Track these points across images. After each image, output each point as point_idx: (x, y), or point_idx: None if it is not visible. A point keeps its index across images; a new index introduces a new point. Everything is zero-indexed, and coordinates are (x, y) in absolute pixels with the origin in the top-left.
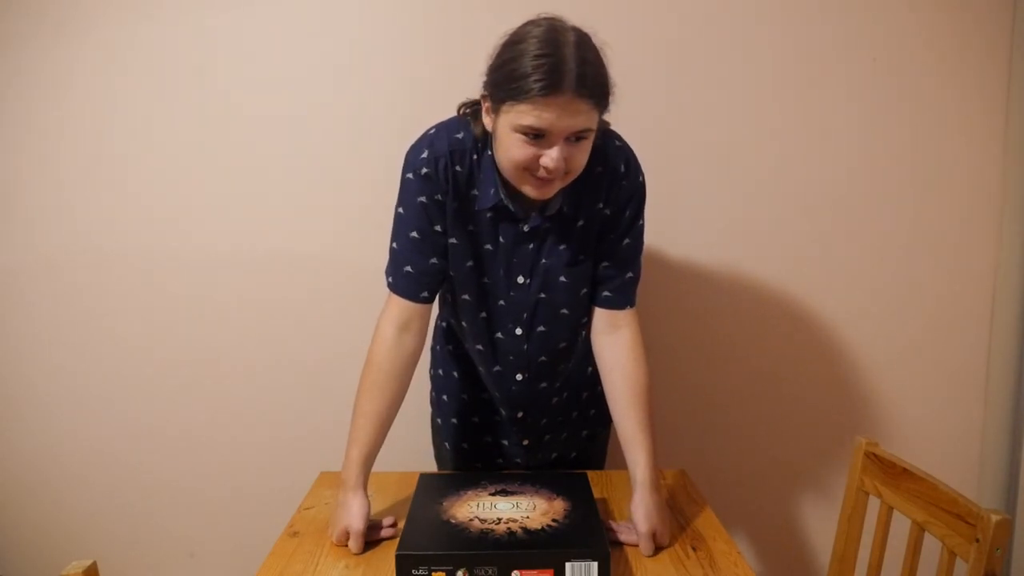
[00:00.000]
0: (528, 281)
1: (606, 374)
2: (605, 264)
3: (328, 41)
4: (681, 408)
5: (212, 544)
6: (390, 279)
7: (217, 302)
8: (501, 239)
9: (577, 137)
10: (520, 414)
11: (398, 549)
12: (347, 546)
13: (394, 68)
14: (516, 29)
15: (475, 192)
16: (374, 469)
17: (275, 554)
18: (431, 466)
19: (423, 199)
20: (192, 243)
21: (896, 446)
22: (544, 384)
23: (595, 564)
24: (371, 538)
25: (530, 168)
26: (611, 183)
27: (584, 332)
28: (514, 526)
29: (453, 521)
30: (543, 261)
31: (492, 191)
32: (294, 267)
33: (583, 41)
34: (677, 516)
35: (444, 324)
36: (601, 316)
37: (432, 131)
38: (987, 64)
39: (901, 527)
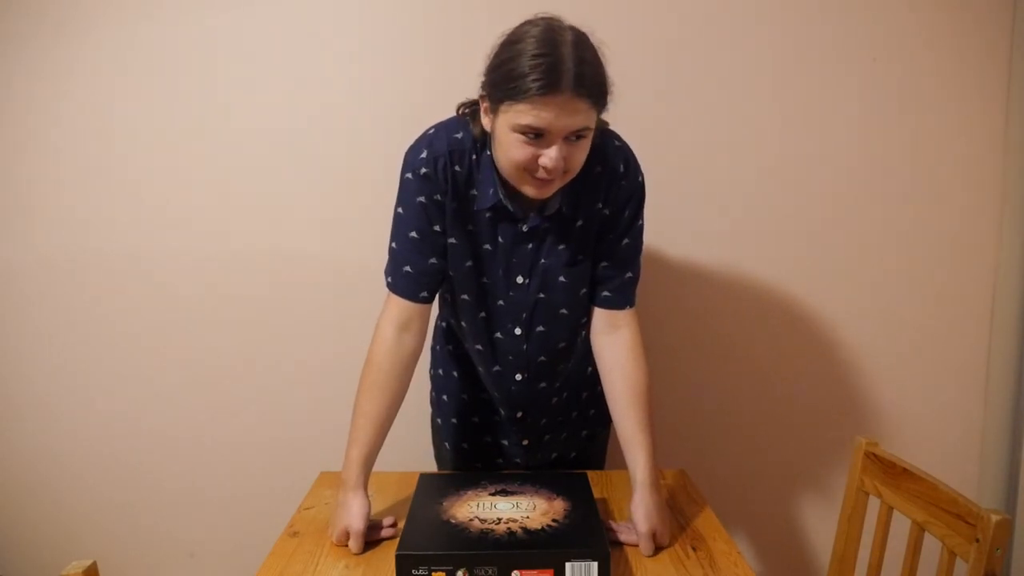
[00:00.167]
0: (527, 281)
1: (605, 374)
2: (604, 264)
3: (328, 41)
4: (681, 408)
5: (212, 544)
6: (389, 279)
7: (217, 302)
8: (500, 239)
9: (576, 136)
10: (520, 414)
11: (398, 549)
12: (347, 546)
13: (394, 68)
14: (513, 29)
15: (474, 192)
16: (374, 469)
17: (275, 554)
18: (431, 466)
19: (422, 199)
20: (192, 243)
21: (896, 446)
22: (543, 384)
23: (595, 564)
24: (371, 538)
25: (529, 168)
26: (610, 183)
27: (583, 332)
28: (514, 526)
29: (453, 521)
30: (542, 261)
31: (491, 191)
32: (294, 267)
33: (581, 40)
34: (677, 516)
35: (444, 324)
36: (600, 316)
37: (431, 131)
38: (987, 64)
39: (901, 527)
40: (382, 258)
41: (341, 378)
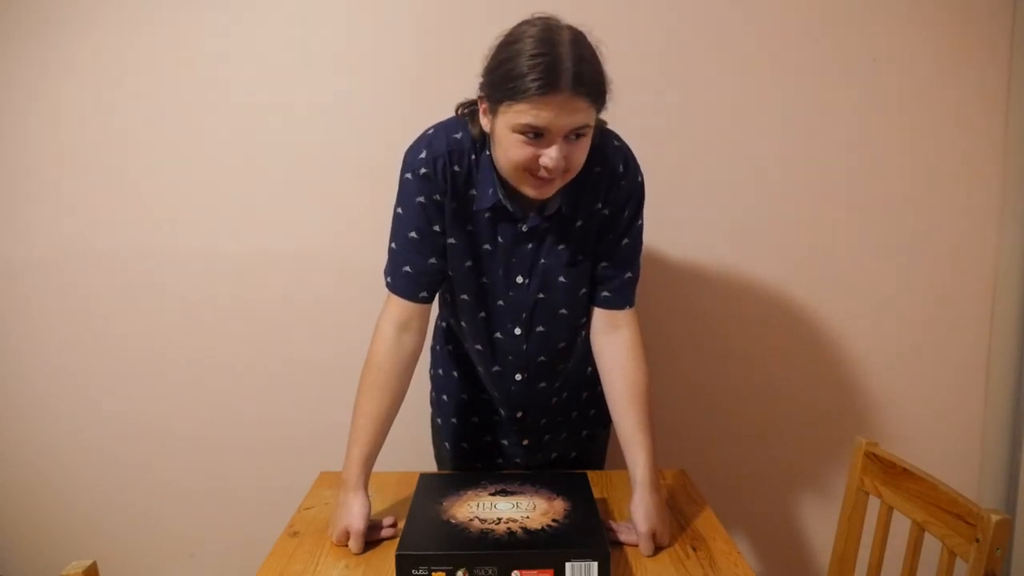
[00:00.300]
0: (527, 281)
1: (605, 374)
2: (604, 264)
3: (328, 41)
4: (681, 408)
5: (212, 544)
6: (389, 279)
7: (217, 302)
8: (500, 239)
9: (576, 135)
10: (520, 414)
11: (398, 549)
12: (347, 546)
13: (394, 68)
14: (511, 29)
15: (473, 192)
16: (374, 469)
17: (275, 554)
18: (431, 466)
19: (422, 199)
20: (192, 243)
21: (896, 446)
22: (543, 384)
23: (595, 564)
24: (371, 538)
25: (530, 168)
26: (610, 183)
27: (583, 332)
28: (514, 526)
29: (453, 521)
30: (542, 261)
31: (490, 191)
32: (294, 267)
33: (578, 39)
34: (677, 516)
35: (444, 324)
36: (600, 316)
37: (431, 131)
38: (987, 64)
39: (901, 527)
40: (382, 258)
41: (341, 378)
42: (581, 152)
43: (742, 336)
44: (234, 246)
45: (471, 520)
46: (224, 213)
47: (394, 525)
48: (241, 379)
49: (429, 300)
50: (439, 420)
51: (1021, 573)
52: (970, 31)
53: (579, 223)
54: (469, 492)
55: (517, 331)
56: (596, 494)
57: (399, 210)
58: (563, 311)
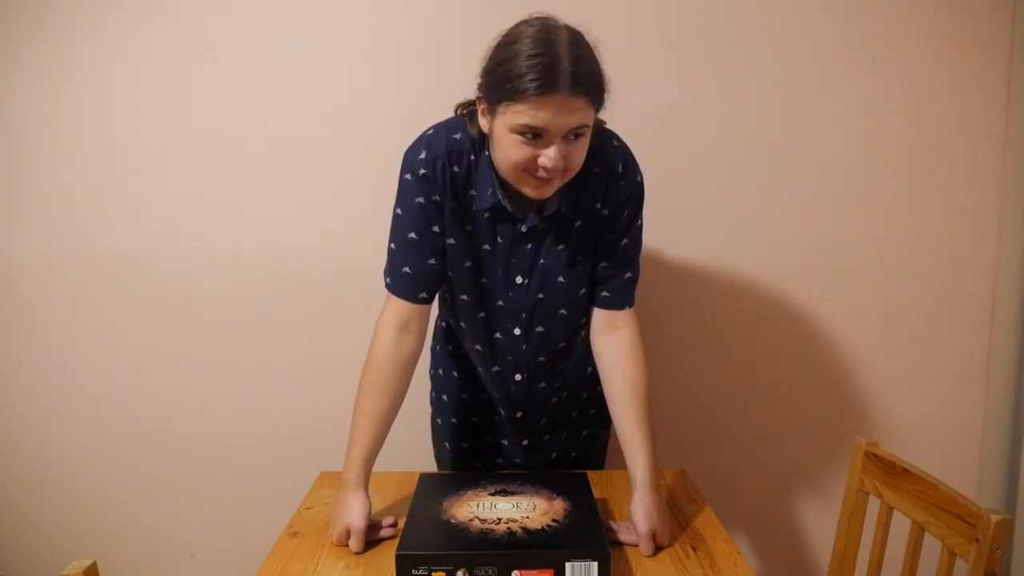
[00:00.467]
0: (527, 281)
1: (605, 374)
2: (604, 264)
3: (328, 41)
4: (681, 408)
5: (212, 544)
6: (388, 280)
7: (217, 302)
8: (499, 239)
9: (574, 135)
10: (519, 414)
11: (398, 549)
12: (347, 546)
13: (393, 69)
14: (509, 30)
15: (473, 193)
16: (374, 469)
17: (275, 554)
18: (431, 466)
19: (421, 200)
20: (192, 243)
21: (896, 446)
22: (543, 384)
23: (595, 564)
24: (371, 538)
25: (529, 168)
26: (609, 183)
27: (583, 332)
28: (514, 526)
29: (453, 521)
30: (541, 261)
31: (489, 191)
32: (294, 267)
33: (576, 39)
34: (677, 516)
35: (444, 324)
36: (600, 316)
37: (430, 132)
38: (987, 64)
39: (901, 527)
40: (382, 258)
41: (341, 378)
42: (580, 152)
43: (742, 336)
44: (234, 246)
45: (471, 520)
46: (224, 213)
47: (394, 525)
48: (241, 379)
49: (428, 301)
50: (439, 420)
51: (1021, 573)
52: (970, 31)
53: (578, 223)
54: (469, 492)
55: (517, 331)
56: (596, 494)
57: (398, 211)
58: (563, 311)
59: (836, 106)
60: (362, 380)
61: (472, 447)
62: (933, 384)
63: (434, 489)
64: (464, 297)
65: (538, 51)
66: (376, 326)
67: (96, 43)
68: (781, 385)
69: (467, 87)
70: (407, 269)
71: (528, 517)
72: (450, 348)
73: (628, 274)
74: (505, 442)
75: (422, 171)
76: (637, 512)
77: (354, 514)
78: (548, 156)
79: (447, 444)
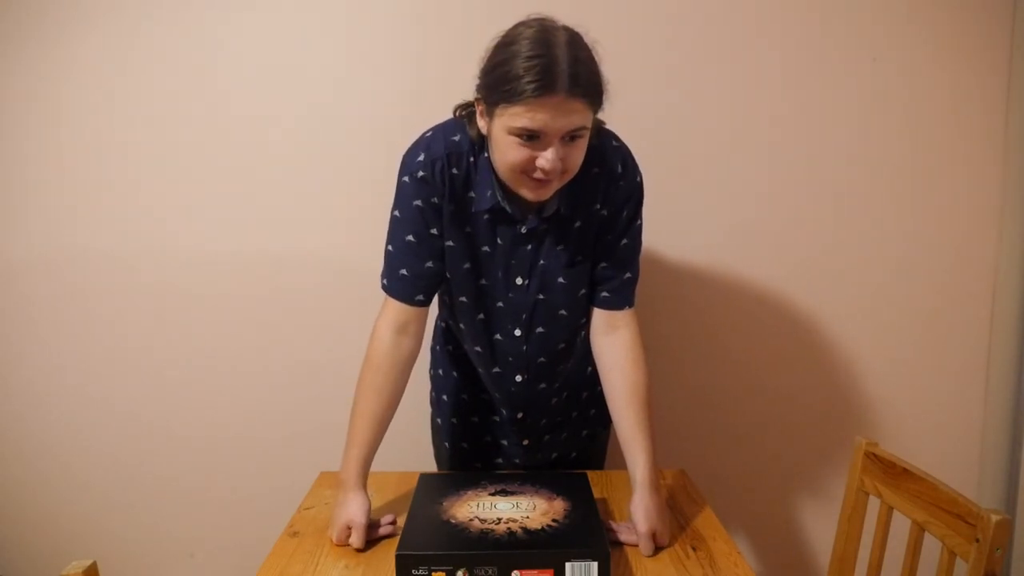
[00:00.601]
0: (526, 282)
1: (605, 375)
2: (603, 265)
3: (327, 42)
4: (681, 408)
5: (212, 544)
6: (385, 282)
7: (217, 302)
8: (499, 241)
9: (572, 136)
10: (520, 415)
11: (398, 549)
12: (347, 545)
13: (393, 69)
14: (507, 31)
15: (472, 194)
16: (374, 469)
17: (275, 554)
18: (431, 466)
19: (419, 202)
20: (192, 243)
21: (896, 446)
22: (543, 385)
23: (595, 564)
24: (371, 536)
25: (526, 170)
26: (608, 183)
27: (583, 333)
28: (514, 526)
29: (453, 521)
30: (541, 262)
31: (489, 193)
32: (294, 267)
33: (575, 40)
34: (677, 516)
35: (443, 324)
36: (600, 317)
37: (429, 134)
38: (987, 64)
39: (901, 527)
40: (381, 259)
41: (341, 378)
42: (578, 154)
43: (742, 336)
44: (234, 247)
45: (471, 520)
46: (224, 214)
47: (393, 523)
48: (241, 379)
49: (426, 303)
50: (439, 420)
51: (1021, 573)
52: (970, 31)
53: (578, 224)
54: (469, 492)
55: (517, 332)
56: (596, 494)
57: (396, 213)
58: (562, 312)
59: (836, 106)
60: (360, 381)
61: (472, 447)
62: (933, 384)
63: (434, 489)
64: (463, 299)
65: (536, 53)
66: (374, 328)
67: (96, 43)
68: (781, 385)
69: (467, 88)
70: (404, 271)
71: (528, 517)
72: (450, 348)
73: (628, 274)
74: (505, 442)
75: (420, 173)
76: (637, 512)
77: (354, 511)
78: (545, 158)
79: (447, 444)
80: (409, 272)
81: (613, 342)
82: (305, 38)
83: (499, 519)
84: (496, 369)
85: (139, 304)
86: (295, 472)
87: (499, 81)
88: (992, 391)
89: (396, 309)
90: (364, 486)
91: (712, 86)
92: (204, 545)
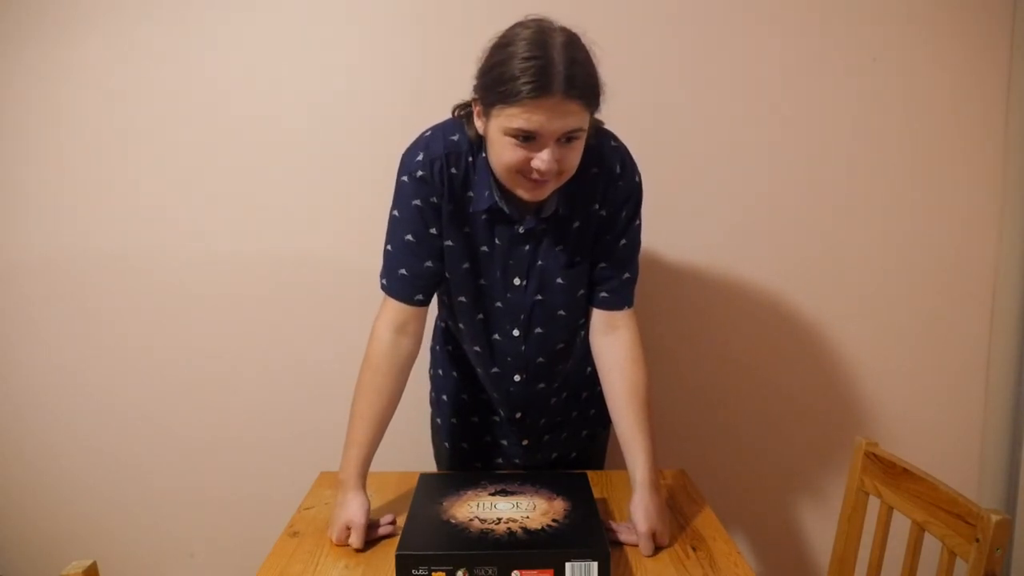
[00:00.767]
0: (525, 283)
1: (604, 375)
2: (602, 265)
3: (327, 42)
4: (681, 408)
5: (212, 544)
6: (384, 281)
7: (217, 303)
8: (497, 241)
9: (568, 138)
10: (519, 415)
11: (398, 549)
12: (347, 545)
13: (392, 69)
14: (504, 31)
15: (470, 194)
16: (374, 469)
17: (275, 554)
18: (431, 466)
19: (418, 202)
20: (192, 243)
21: (896, 446)
22: (543, 385)
23: (595, 564)
24: (371, 536)
25: (522, 171)
26: (607, 184)
27: (582, 333)
28: (514, 526)
29: (453, 521)
30: (539, 263)
31: (487, 193)
32: (294, 268)
33: (572, 41)
34: (677, 516)
35: (443, 324)
36: (599, 317)
37: (428, 133)
38: (987, 64)
39: (901, 527)
40: (381, 259)
41: (341, 378)
42: (574, 155)
43: (742, 336)
44: (234, 247)
45: (471, 520)
46: (224, 214)
47: (393, 523)
48: (241, 379)
49: (425, 303)
50: (439, 420)
51: (1021, 573)
52: (970, 31)
53: (576, 224)
54: (469, 492)
55: (515, 332)
56: (596, 494)
57: (395, 213)
58: (561, 312)
59: (836, 106)
60: (359, 381)
61: (472, 447)
62: (933, 384)
63: (434, 489)
64: (462, 299)
65: (532, 54)
66: (373, 328)
67: (96, 43)
68: (781, 385)
69: (467, 88)
70: (403, 271)
71: (528, 517)
72: (449, 348)
73: (627, 274)
74: (505, 442)
75: (419, 173)
76: (637, 512)
77: (354, 511)
78: (541, 159)
79: (447, 444)
80: (408, 272)
81: (612, 342)
82: (305, 38)
83: (499, 519)
84: (495, 369)
85: (139, 304)
86: (295, 472)
87: (495, 82)
88: (992, 391)
89: (395, 309)
90: (364, 486)
91: (712, 86)
92: (204, 545)
